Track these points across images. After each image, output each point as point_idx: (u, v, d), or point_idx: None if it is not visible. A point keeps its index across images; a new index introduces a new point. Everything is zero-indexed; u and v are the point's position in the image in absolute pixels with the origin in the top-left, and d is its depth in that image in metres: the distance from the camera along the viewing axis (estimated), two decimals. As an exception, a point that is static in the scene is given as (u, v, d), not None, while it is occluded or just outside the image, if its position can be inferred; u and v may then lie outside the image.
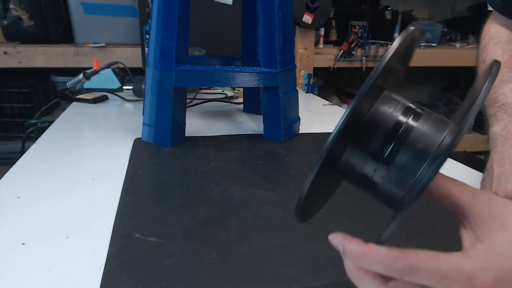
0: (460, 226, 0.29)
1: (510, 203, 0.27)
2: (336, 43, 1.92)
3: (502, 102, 0.54)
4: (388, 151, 0.27)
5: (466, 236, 0.28)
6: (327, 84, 2.16)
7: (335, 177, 0.33)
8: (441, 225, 0.50)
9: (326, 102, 1.29)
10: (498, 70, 0.27)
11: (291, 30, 0.84)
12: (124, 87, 1.25)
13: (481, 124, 2.20)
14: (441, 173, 0.29)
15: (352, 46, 1.89)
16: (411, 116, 0.28)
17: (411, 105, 0.29)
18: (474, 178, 0.68)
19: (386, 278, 0.28)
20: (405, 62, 0.33)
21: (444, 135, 0.27)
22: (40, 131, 1.05)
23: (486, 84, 0.25)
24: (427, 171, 0.25)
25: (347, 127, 0.25)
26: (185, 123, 0.83)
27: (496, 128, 0.53)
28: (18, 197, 0.55)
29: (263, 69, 0.79)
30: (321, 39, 1.89)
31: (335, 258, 0.43)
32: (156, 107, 0.77)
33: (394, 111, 0.28)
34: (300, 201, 0.29)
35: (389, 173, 0.27)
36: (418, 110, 0.29)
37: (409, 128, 0.27)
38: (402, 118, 0.28)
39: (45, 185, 0.59)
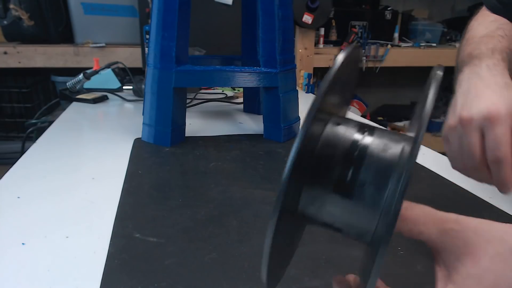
0: (435, 263, 0.27)
1: (482, 232, 0.25)
2: (336, 43, 1.92)
3: (476, 54, 0.51)
4: (347, 181, 0.24)
5: (440, 275, 0.26)
6: (327, 84, 2.16)
7: (297, 224, 0.29)
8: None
9: (326, 102, 1.28)
10: (442, 72, 0.26)
11: (291, 30, 0.84)
12: (124, 87, 1.25)
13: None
14: (408, 206, 0.26)
15: (352, 46, 1.89)
16: (364, 138, 0.25)
17: (360, 128, 0.26)
18: (474, 178, 0.68)
19: None
20: (351, 84, 0.31)
21: (400, 151, 0.24)
22: (40, 131, 1.05)
23: (431, 90, 0.24)
24: (392, 196, 0.22)
25: (298, 165, 0.22)
26: (185, 123, 0.83)
27: (465, 69, 0.50)
28: (18, 197, 0.55)
29: (263, 69, 0.79)
30: (321, 39, 1.89)
31: (335, 258, 0.43)
32: (156, 107, 0.77)
33: (342, 141, 0.25)
34: (264, 273, 0.24)
35: (353, 208, 0.25)
36: (369, 131, 0.26)
37: (363, 153, 0.25)
38: (352, 147, 0.25)
39: (45, 185, 0.59)
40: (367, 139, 0.25)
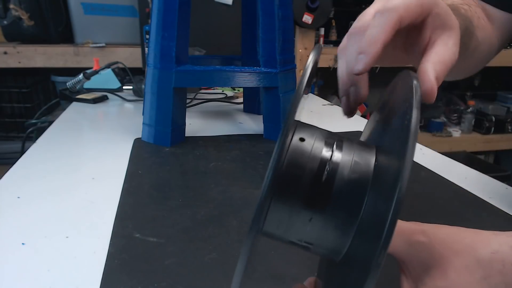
0: (400, 272, 0.26)
1: (449, 244, 0.24)
2: (336, 43, 1.92)
3: None
4: (317, 200, 0.23)
5: (406, 285, 0.26)
6: (327, 84, 2.16)
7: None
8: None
9: (326, 102, 1.29)
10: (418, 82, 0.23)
11: (291, 30, 0.84)
12: (124, 87, 1.25)
13: (481, 124, 2.20)
14: None
15: (352, 46, 1.89)
16: (333, 153, 0.24)
17: (327, 139, 0.25)
18: (474, 178, 0.68)
19: None
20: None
21: (373, 167, 0.23)
22: (40, 131, 1.05)
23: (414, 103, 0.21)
24: (376, 217, 0.20)
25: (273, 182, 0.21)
26: (185, 123, 0.83)
27: None
28: (18, 197, 0.55)
29: (263, 69, 0.79)
30: (321, 39, 1.89)
31: (335, 258, 0.43)
32: (156, 107, 0.77)
33: (312, 152, 0.24)
34: None
35: (322, 228, 0.24)
36: (337, 142, 0.25)
37: (333, 172, 0.23)
38: (323, 158, 0.23)
39: (45, 185, 0.59)
40: (336, 155, 0.24)
